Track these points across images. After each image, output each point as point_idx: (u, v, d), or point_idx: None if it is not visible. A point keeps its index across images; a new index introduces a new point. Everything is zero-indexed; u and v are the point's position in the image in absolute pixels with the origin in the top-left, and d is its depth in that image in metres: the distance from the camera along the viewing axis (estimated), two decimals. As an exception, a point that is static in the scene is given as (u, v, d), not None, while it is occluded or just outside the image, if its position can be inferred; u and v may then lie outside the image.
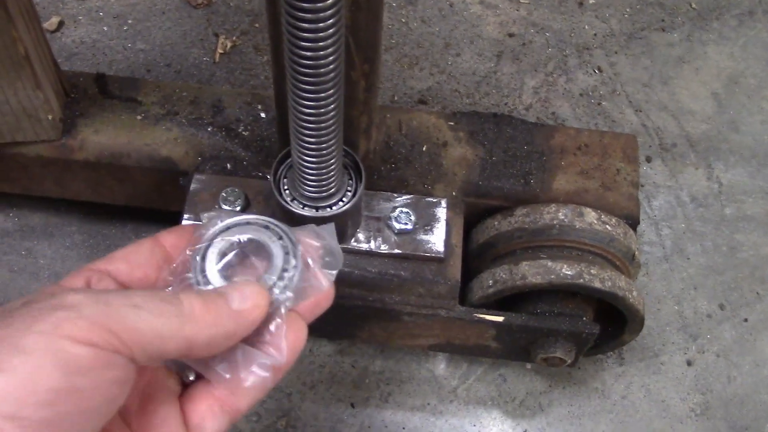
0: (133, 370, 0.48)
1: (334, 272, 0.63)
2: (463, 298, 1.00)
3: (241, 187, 0.93)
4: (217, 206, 0.92)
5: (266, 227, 0.62)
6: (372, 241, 0.91)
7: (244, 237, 0.61)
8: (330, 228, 0.65)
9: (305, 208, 0.84)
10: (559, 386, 1.11)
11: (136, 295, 0.49)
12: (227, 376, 0.56)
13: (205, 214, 0.63)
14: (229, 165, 0.98)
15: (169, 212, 1.02)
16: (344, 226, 0.88)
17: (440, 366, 1.11)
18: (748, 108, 1.37)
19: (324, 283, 0.61)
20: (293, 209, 0.83)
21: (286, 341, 0.57)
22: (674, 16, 1.46)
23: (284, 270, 0.60)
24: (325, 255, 0.63)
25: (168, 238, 0.62)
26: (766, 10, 1.48)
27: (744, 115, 1.36)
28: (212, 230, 0.61)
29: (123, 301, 0.48)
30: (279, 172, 0.86)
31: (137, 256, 0.60)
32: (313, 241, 0.63)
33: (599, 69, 1.39)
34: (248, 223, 0.62)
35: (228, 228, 0.61)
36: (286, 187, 0.85)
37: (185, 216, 0.92)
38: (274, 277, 0.59)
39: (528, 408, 1.09)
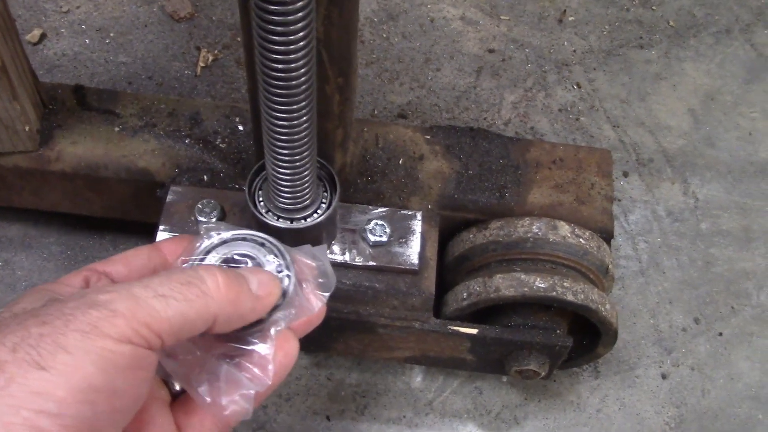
0: (155, 368, 0.49)
1: (327, 294, 0.63)
2: (439, 310, 1.00)
3: (218, 199, 0.94)
4: (193, 218, 0.93)
5: (262, 244, 0.62)
6: (347, 253, 0.92)
7: (239, 253, 0.61)
8: (323, 249, 0.65)
9: (280, 220, 0.84)
10: (535, 399, 1.11)
11: (159, 284, 0.50)
12: (207, 400, 0.56)
13: (204, 226, 0.63)
14: (205, 177, 0.99)
15: (147, 224, 1.02)
16: (319, 238, 0.88)
17: (416, 378, 1.11)
18: (724, 124, 1.39)
19: (316, 304, 0.62)
20: (268, 221, 0.83)
21: (275, 363, 0.58)
22: (652, 34, 1.48)
23: None
24: (319, 276, 0.63)
25: (167, 245, 0.64)
26: (742, 28, 1.50)
27: (720, 131, 1.38)
28: (207, 243, 0.61)
29: (149, 293, 0.49)
30: (254, 184, 0.86)
31: (135, 260, 0.61)
32: (308, 261, 0.63)
33: (578, 85, 1.41)
34: (244, 239, 0.62)
35: (224, 242, 0.61)
36: (261, 199, 0.85)
37: (161, 227, 0.92)
38: None
39: (504, 421, 1.09)
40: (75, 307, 0.46)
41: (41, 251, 1.17)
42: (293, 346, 0.60)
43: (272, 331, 0.58)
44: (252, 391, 0.56)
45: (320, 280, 0.63)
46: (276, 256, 0.61)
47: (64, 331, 0.45)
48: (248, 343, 0.58)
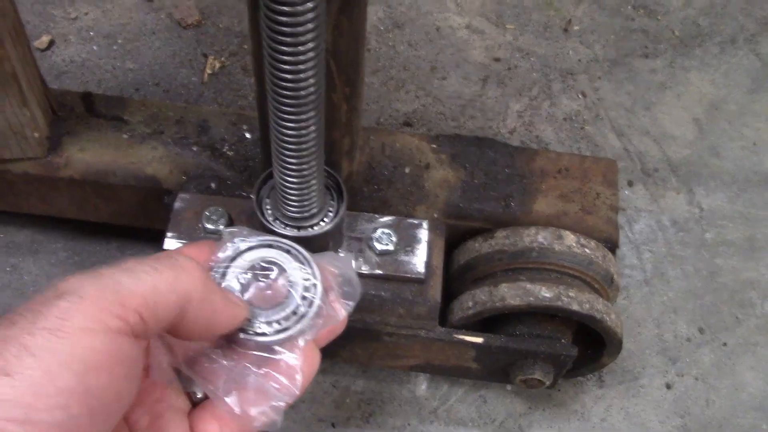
0: (140, 364, 0.48)
1: (352, 303, 0.62)
2: (444, 319, 1.01)
3: (225, 207, 0.94)
4: (200, 225, 0.93)
5: (288, 251, 0.61)
6: (353, 262, 0.92)
7: (265, 259, 0.60)
8: (347, 259, 0.64)
9: (287, 228, 0.84)
10: (539, 408, 1.11)
11: (128, 261, 0.48)
12: (237, 410, 0.55)
13: (227, 230, 0.62)
14: (213, 184, 0.99)
15: (154, 230, 1.03)
16: (326, 247, 0.88)
17: (421, 387, 1.11)
18: (729, 134, 1.39)
19: (341, 313, 0.61)
20: (275, 229, 0.84)
21: (302, 374, 0.57)
22: (657, 43, 1.49)
23: (303, 298, 0.58)
24: (343, 284, 0.62)
25: (188, 252, 0.62)
26: (747, 38, 1.51)
27: (725, 141, 1.38)
28: (233, 248, 0.60)
29: (114, 271, 0.47)
30: (261, 192, 0.87)
31: None
32: (332, 268, 0.62)
33: (583, 94, 1.41)
34: (270, 245, 0.61)
35: (250, 249, 0.60)
36: (268, 207, 0.86)
37: (168, 234, 0.93)
38: (293, 307, 0.58)
39: (508, 430, 1.10)
40: (43, 301, 0.45)
41: (48, 257, 1.18)
42: (316, 356, 0.59)
43: (301, 341, 0.57)
44: (282, 403, 0.55)
45: (345, 289, 0.62)
46: (302, 264, 0.60)
47: (30, 331, 0.43)
48: (275, 353, 0.57)
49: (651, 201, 1.31)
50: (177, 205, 0.95)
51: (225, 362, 0.56)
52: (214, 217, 0.93)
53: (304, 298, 0.58)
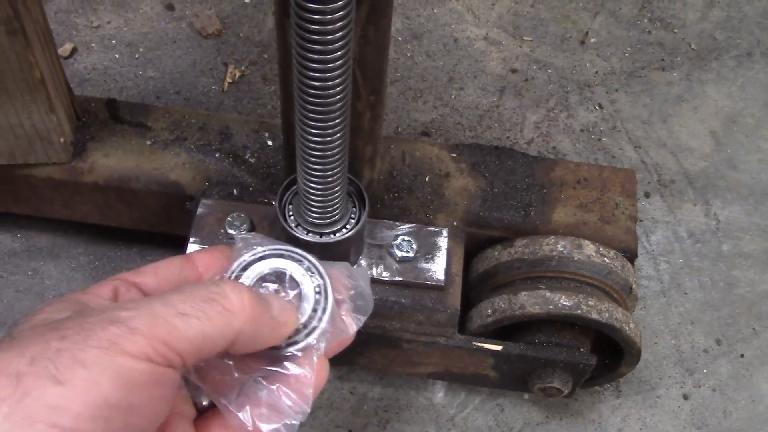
0: (177, 385, 0.49)
1: (363, 318, 0.61)
2: (463, 326, 1.01)
3: (247, 213, 0.95)
4: (223, 230, 0.94)
5: (299, 261, 0.60)
6: (374, 268, 0.93)
7: (278, 269, 0.60)
8: (364, 272, 0.63)
9: (309, 234, 0.85)
10: (556, 417, 1.12)
11: (181, 301, 0.49)
12: (249, 427, 0.54)
13: (240, 237, 0.61)
14: (235, 191, 1.00)
15: (176, 236, 1.04)
16: (347, 253, 0.89)
17: (438, 394, 1.12)
18: (746, 147, 1.40)
19: (352, 328, 0.60)
20: (297, 235, 0.85)
21: (313, 389, 0.56)
22: (674, 56, 1.49)
23: (314, 310, 0.58)
24: (356, 297, 0.61)
25: (201, 257, 0.62)
26: (764, 51, 1.51)
27: (741, 154, 1.39)
28: (246, 256, 0.60)
29: (169, 311, 0.48)
30: (284, 199, 0.88)
31: (166, 272, 0.60)
32: (345, 281, 0.61)
33: (600, 106, 1.42)
34: (281, 255, 0.60)
35: (261, 258, 0.60)
36: (291, 213, 0.87)
37: (191, 240, 0.94)
38: (304, 320, 0.57)
39: (525, 438, 1.10)
40: (95, 322, 0.46)
41: (69, 261, 1.19)
42: (325, 368, 0.58)
43: (314, 357, 0.56)
44: (296, 422, 0.55)
45: (357, 302, 0.61)
46: (313, 274, 0.59)
47: (82, 347, 0.44)
48: (286, 367, 0.56)
49: (668, 212, 1.31)
50: (200, 210, 0.96)
51: (237, 374, 0.56)
52: (236, 223, 0.94)
53: (314, 310, 0.58)
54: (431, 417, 1.10)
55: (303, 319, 0.57)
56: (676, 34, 1.52)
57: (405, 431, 1.09)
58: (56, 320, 0.48)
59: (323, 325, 0.57)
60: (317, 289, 0.59)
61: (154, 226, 1.09)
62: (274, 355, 0.56)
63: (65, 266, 1.19)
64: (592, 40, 1.51)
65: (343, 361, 1.08)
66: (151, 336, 0.46)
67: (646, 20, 1.54)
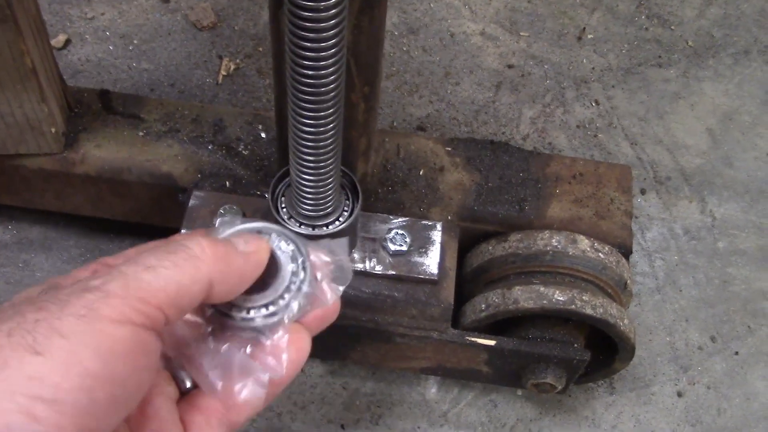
0: (159, 355, 0.49)
1: (342, 287, 0.62)
2: (456, 321, 1.01)
3: (239, 205, 0.94)
4: (215, 222, 0.93)
5: (279, 234, 0.61)
6: (367, 262, 0.92)
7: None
8: (343, 243, 0.64)
9: (302, 227, 0.85)
10: (550, 414, 1.11)
11: (145, 258, 0.49)
12: (219, 384, 0.55)
13: (219, 219, 0.62)
14: (228, 183, 0.99)
15: (168, 228, 1.03)
16: (340, 246, 0.89)
17: (431, 389, 1.11)
18: (742, 144, 1.39)
19: (330, 297, 0.60)
20: (290, 227, 0.84)
21: (288, 354, 0.57)
22: (671, 53, 1.49)
23: (291, 281, 0.58)
24: (335, 270, 0.62)
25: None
26: (761, 49, 1.51)
27: (738, 151, 1.38)
28: (224, 233, 0.60)
29: (137, 268, 0.48)
30: (277, 191, 0.87)
31: None
32: (324, 256, 0.62)
33: (596, 102, 1.42)
34: (259, 231, 0.61)
35: (239, 233, 0.60)
36: (283, 206, 0.86)
37: (182, 231, 0.93)
38: (281, 288, 0.58)
39: (518, 435, 1.09)
40: (70, 292, 0.46)
41: (61, 253, 1.18)
42: (305, 342, 0.58)
43: (285, 319, 0.57)
44: (266, 376, 0.55)
45: (336, 274, 0.62)
46: (288, 243, 0.60)
47: (59, 316, 0.44)
48: (263, 335, 0.57)
49: (663, 209, 1.31)
50: (192, 202, 0.96)
51: (212, 345, 0.57)
52: (228, 215, 0.93)
53: (291, 281, 0.58)
54: (424, 412, 1.10)
55: (280, 290, 0.58)
56: (673, 31, 1.52)
57: (397, 426, 1.08)
58: (32, 296, 0.48)
59: (301, 294, 0.58)
60: (293, 260, 0.59)
61: (146, 218, 1.08)
62: (250, 325, 0.57)
63: (56, 258, 1.18)
64: (589, 36, 1.50)
65: (335, 356, 1.07)
66: (127, 296, 0.46)
67: (643, 17, 1.53)
